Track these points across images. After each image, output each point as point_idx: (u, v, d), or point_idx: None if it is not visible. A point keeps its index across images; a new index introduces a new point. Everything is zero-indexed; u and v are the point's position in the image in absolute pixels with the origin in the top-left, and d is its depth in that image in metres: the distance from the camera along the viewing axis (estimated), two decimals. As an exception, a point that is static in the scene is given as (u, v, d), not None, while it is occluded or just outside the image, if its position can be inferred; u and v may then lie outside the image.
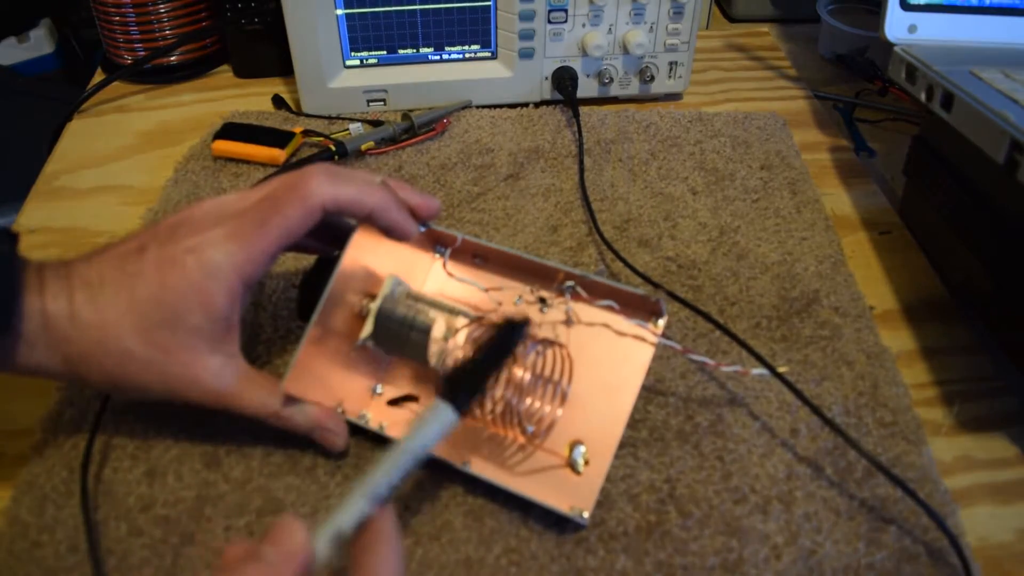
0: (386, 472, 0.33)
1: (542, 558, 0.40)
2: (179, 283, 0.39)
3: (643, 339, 0.43)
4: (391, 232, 0.43)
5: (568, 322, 0.44)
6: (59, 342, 0.38)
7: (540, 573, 0.39)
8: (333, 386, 0.44)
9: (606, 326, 0.44)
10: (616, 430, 0.42)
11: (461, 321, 0.43)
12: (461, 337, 0.42)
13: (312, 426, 0.42)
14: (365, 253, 0.43)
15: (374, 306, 0.44)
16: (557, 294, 0.44)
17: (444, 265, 0.47)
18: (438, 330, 0.42)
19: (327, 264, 0.43)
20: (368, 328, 0.44)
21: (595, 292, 0.43)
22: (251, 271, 0.40)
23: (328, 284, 0.41)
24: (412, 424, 0.36)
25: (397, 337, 0.43)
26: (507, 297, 0.46)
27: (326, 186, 0.40)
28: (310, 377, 0.42)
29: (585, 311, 0.44)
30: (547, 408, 0.43)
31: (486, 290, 0.46)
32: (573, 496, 0.41)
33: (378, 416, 0.45)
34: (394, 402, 0.45)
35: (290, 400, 0.42)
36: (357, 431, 0.44)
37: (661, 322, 0.42)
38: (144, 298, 0.39)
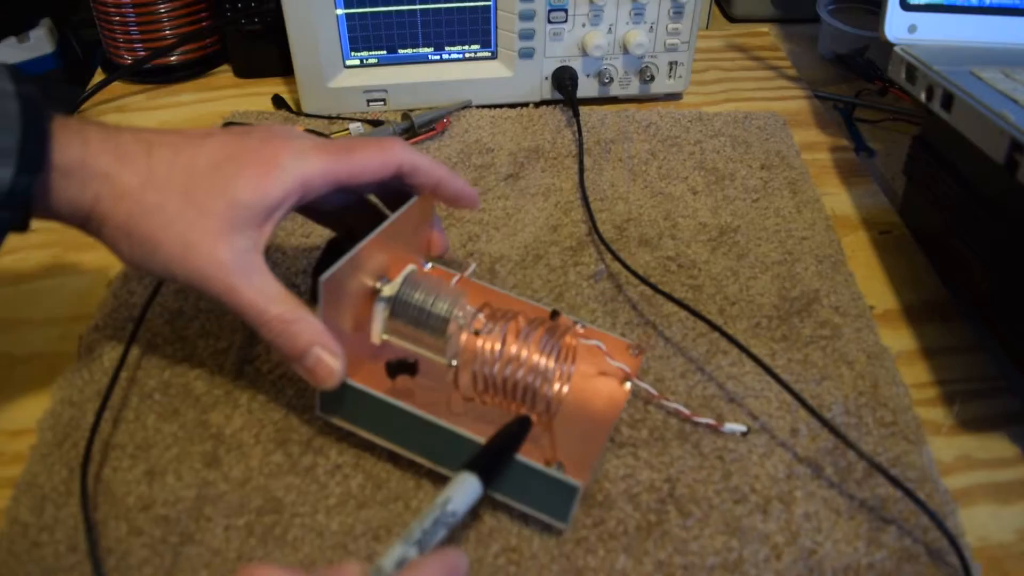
0: (419, 521, 0.36)
1: (542, 558, 0.40)
2: (247, 158, 0.40)
3: (620, 380, 0.46)
4: (459, 199, 0.46)
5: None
6: (95, 177, 0.38)
7: (540, 573, 0.39)
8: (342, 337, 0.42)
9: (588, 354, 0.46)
10: (594, 449, 0.43)
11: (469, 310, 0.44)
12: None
13: (312, 342, 0.38)
14: (395, 239, 0.45)
15: (398, 279, 0.44)
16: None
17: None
18: (455, 313, 0.43)
19: (340, 243, 0.44)
20: (395, 286, 0.43)
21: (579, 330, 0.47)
22: (316, 185, 0.41)
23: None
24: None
25: (414, 313, 0.43)
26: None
27: (404, 150, 0.44)
28: (341, 297, 0.41)
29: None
30: (556, 386, 0.43)
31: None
32: None
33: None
34: (392, 373, 0.45)
35: (304, 303, 0.39)
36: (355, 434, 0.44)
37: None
38: (203, 164, 0.39)
